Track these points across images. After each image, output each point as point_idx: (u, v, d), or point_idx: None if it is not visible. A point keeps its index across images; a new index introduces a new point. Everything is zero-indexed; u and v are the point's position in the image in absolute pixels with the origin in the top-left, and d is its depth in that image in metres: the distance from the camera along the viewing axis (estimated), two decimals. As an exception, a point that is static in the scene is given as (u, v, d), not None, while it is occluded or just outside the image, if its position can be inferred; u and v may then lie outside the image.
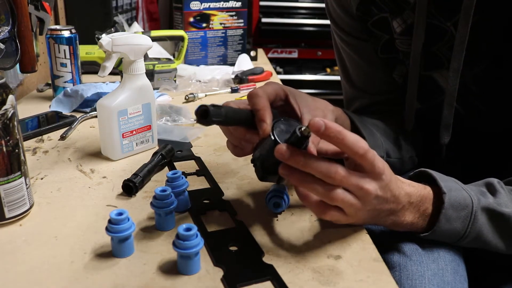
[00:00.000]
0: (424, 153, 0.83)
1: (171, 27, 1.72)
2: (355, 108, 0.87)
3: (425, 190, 0.56)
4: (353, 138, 0.48)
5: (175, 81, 1.23)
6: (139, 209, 0.61)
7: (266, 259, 0.50)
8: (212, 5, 1.48)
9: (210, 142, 0.85)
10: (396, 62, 0.80)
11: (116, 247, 0.50)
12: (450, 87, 0.69)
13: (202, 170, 0.73)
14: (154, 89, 0.87)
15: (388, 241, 0.62)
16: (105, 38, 0.71)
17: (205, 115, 0.49)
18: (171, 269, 0.49)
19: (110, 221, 0.50)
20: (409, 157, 0.80)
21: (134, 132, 0.76)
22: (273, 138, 0.52)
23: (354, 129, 0.71)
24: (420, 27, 0.70)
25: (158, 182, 0.69)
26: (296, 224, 0.58)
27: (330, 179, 0.47)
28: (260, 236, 0.55)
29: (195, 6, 1.46)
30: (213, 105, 0.49)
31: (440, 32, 0.70)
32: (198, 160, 0.76)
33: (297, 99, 0.60)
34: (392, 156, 0.77)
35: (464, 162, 0.79)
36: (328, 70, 2.95)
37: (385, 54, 0.80)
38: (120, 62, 0.85)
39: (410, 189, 0.54)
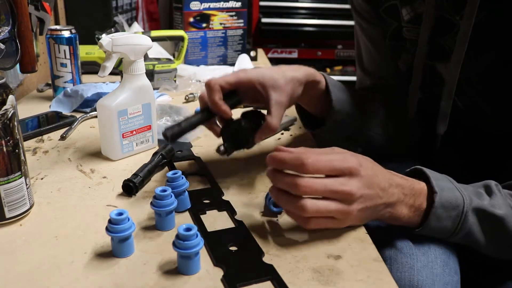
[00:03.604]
0: (421, 143, 0.84)
1: (171, 27, 1.72)
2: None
3: (419, 185, 0.56)
4: (292, 158, 0.51)
5: (175, 81, 1.23)
6: (139, 209, 0.61)
7: (266, 259, 0.50)
8: (212, 5, 1.48)
9: (210, 142, 0.85)
10: (402, 50, 0.82)
11: (116, 247, 0.50)
12: (450, 78, 0.70)
13: (202, 170, 0.73)
14: (154, 89, 0.87)
15: (383, 237, 0.62)
16: (105, 38, 0.71)
17: (167, 139, 0.61)
18: (171, 269, 0.49)
19: (110, 221, 0.50)
20: (379, 133, 0.81)
21: (134, 132, 0.76)
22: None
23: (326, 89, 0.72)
24: (429, 17, 0.71)
25: (158, 182, 0.69)
26: (296, 224, 0.58)
27: (298, 190, 0.50)
28: (260, 236, 0.55)
29: (195, 6, 1.46)
30: (169, 128, 0.61)
31: (448, 25, 0.71)
32: (198, 160, 0.76)
33: (266, 84, 0.63)
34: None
35: (461, 156, 0.80)
36: (328, 70, 2.95)
37: (392, 41, 0.82)
38: (120, 62, 0.85)
39: (401, 181, 0.55)
